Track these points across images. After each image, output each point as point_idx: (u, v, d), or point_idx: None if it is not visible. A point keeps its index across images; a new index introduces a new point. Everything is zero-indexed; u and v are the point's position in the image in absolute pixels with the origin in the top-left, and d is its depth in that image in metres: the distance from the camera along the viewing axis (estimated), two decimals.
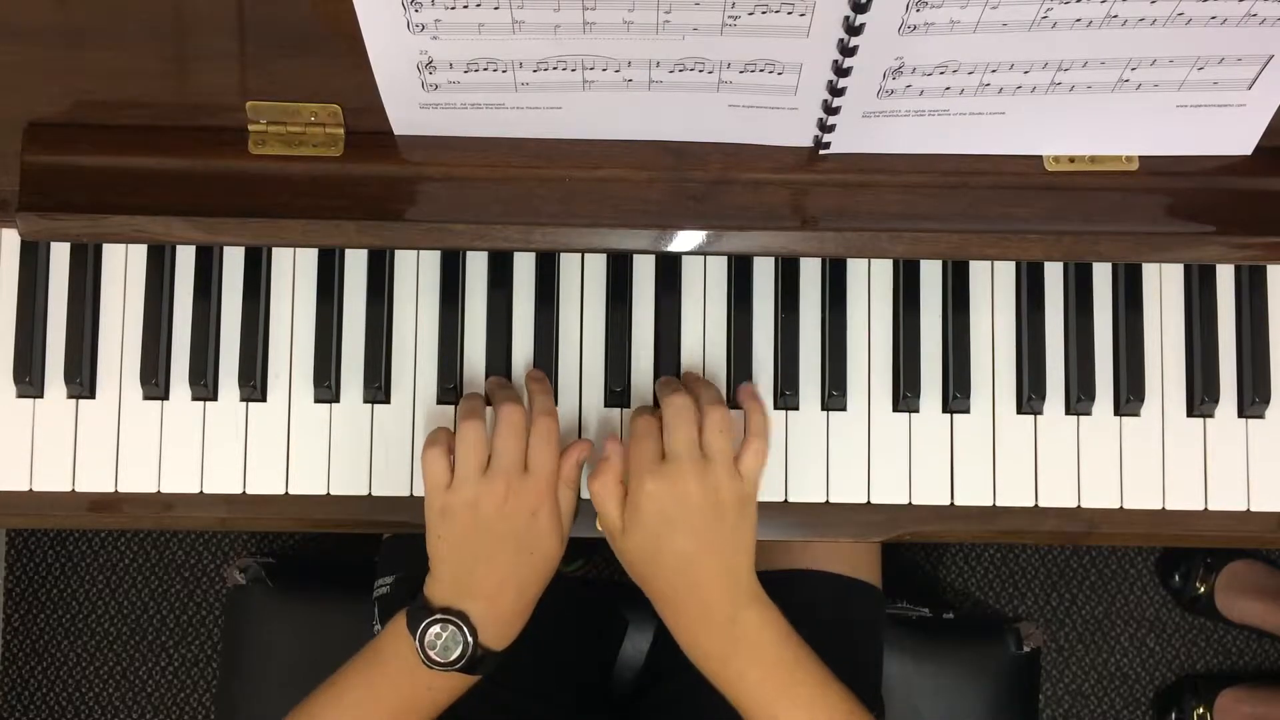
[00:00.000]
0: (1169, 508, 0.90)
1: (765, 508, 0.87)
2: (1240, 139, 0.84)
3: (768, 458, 0.83)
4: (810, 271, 0.91)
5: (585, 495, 0.89)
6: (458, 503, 0.80)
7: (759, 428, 0.84)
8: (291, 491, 0.89)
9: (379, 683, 0.82)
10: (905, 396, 0.90)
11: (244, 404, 0.90)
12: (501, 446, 0.80)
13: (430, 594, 0.82)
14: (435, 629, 0.80)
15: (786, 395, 0.90)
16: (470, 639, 0.80)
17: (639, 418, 0.82)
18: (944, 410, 0.91)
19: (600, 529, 0.84)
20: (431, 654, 0.80)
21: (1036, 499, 0.90)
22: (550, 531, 0.82)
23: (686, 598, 0.80)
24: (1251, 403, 0.90)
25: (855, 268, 0.91)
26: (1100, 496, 0.90)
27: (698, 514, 0.79)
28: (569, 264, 0.91)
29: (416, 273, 0.91)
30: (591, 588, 1.07)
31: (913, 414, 0.90)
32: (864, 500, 0.90)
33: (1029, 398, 0.90)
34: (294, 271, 0.91)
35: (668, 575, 0.81)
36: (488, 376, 0.90)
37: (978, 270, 0.91)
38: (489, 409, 0.85)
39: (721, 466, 0.80)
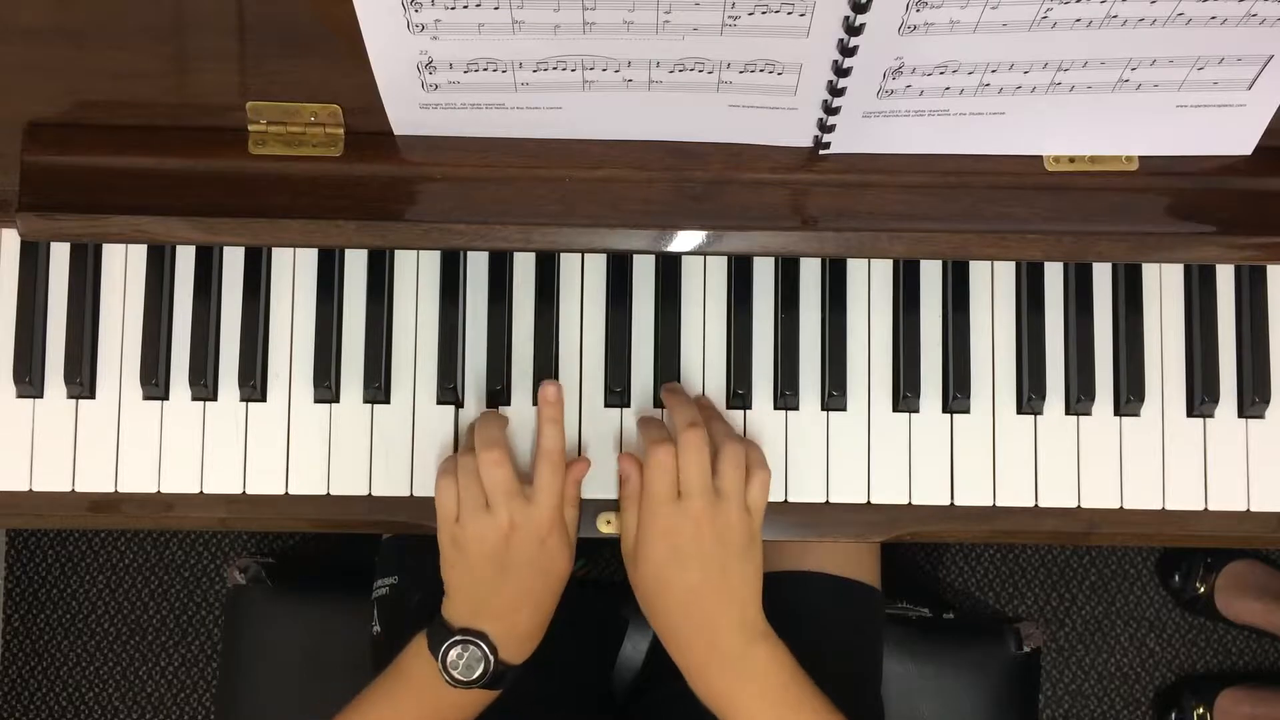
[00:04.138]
0: (1169, 508, 0.90)
1: (765, 508, 0.87)
2: (1240, 139, 0.84)
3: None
4: (810, 271, 0.91)
5: (588, 495, 0.89)
6: (465, 536, 0.81)
7: (761, 459, 0.84)
8: (291, 491, 0.89)
9: (404, 703, 0.84)
10: (905, 396, 0.90)
11: (244, 404, 0.90)
12: (491, 485, 0.81)
13: (449, 615, 0.83)
14: (456, 650, 0.81)
15: (786, 395, 0.90)
16: (491, 657, 0.81)
17: (655, 449, 0.82)
18: (944, 410, 0.91)
19: (623, 552, 0.84)
20: (454, 674, 0.81)
21: (1036, 499, 0.90)
22: (560, 553, 0.83)
23: (694, 634, 0.82)
24: (1251, 403, 0.90)
25: (855, 268, 0.91)
26: (1100, 496, 0.90)
27: (708, 551, 0.81)
28: (569, 264, 0.91)
29: (416, 273, 0.91)
30: (591, 588, 1.07)
31: (913, 414, 0.90)
32: (864, 500, 0.90)
33: (1029, 398, 0.90)
34: (294, 271, 0.90)
35: (676, 610, 0.82)
36: (488, 376, 0.90)
37: (978, 270, 0.91)
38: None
39: (734, 504, 0.81)
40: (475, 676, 0.81)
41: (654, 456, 0.82)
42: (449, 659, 0.81)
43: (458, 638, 0.81)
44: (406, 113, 0.81)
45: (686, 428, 0.82)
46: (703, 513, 0.81)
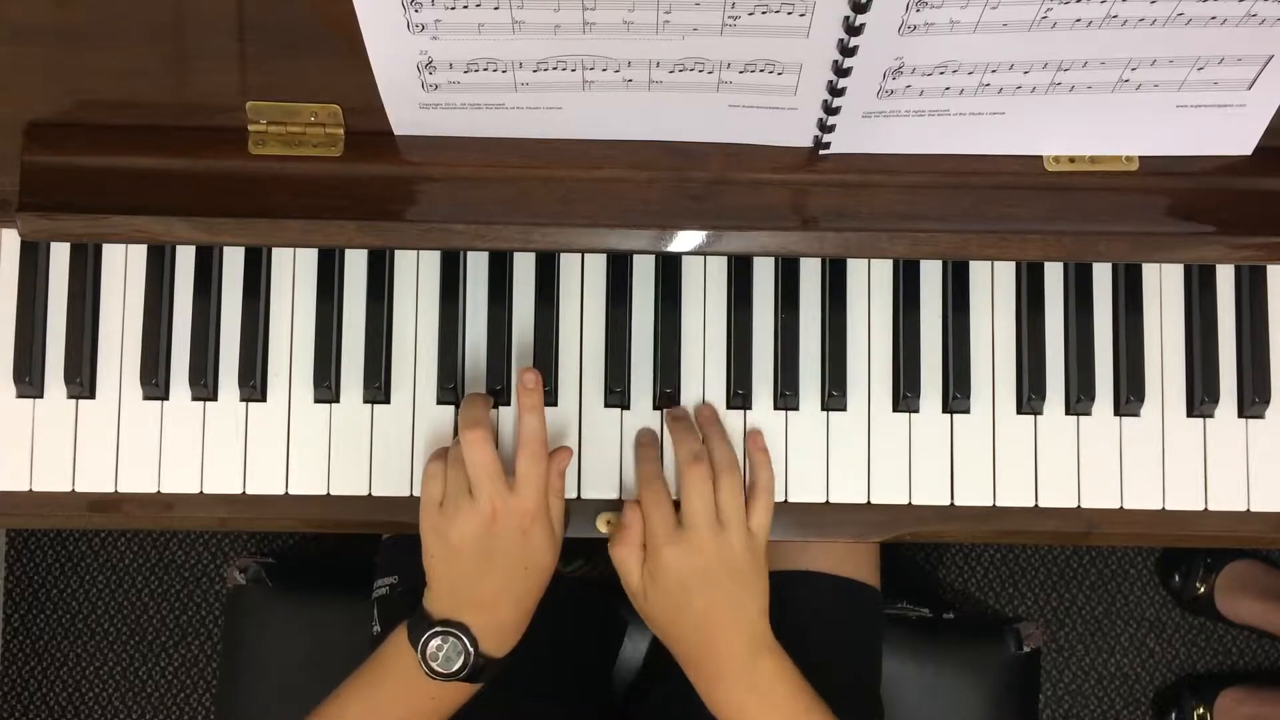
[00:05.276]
0: (1169, 508, 0.90)
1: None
2: (1240, 139, 0.84)
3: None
4: (810, 271, 0.91)
5: (587, 495, 0.89)
6: (446, 524, 0.81)
7: (766, 483, 0.86)
8: (291, 491, 0.89)
9: (382, 695, 0.83)
10: (905, 396, 0.90)
11: (244, 404, 0.90)
12: (473, 466, 0.80)
13: (429, 606, 0.83)
14: (436, 641, 0.81)
15: (786, 395, 0.90)
16: (471, 649, 0.81)
17: (648, 487, 0.84)
18: (944, 410, 0.91)
19: (627, 590, 0.85)
20: (434, 665, 0.81)
21: (1036, 499, 0.90)
22: (543, 546, 0.82)
23: (706, 654, 0.83)
24: (1251, 403, 0.90)
25: (855, 268, 0.91)
26: (1100, 496, 0.90)
27: (715, 579, 0.82)
28: (569, 264, 0.91)
29: (416, 273, 0.91)
30: (591, 588, 1.07)
31: (913, 414, 0.90)
32: (864, 500, 0.90)
33: (1029, 398, 0.90)
34: (294, 271, 0.90)
35: (688, 636, 0.83)
36: (488, 376, 0.90)
37: (978, 270, 0.91)
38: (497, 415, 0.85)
39: (736, 531, 0.83)
40: (455, 669, 0.81)
41: (649, 494, 0.84)
42: (429, 650, 0.81)
43: (438, 629, 0.81)
44: (406, 113, 0.81)
45: (690, 463, 0.84)
46: (706, 544, 0.82)
